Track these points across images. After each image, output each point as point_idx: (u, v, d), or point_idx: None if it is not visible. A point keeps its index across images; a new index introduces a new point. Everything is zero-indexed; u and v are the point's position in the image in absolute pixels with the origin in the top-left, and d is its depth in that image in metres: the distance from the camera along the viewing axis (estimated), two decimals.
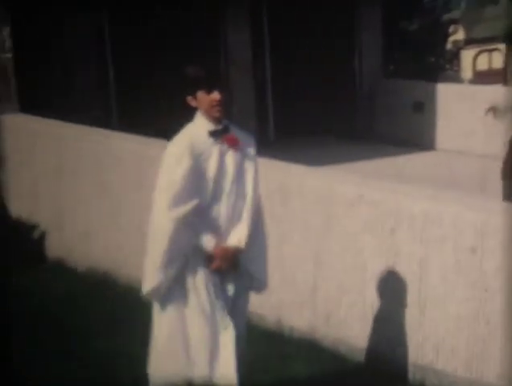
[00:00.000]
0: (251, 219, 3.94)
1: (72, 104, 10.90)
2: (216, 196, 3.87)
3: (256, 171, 3.98)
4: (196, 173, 3.81)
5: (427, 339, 4.71)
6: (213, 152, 3.86)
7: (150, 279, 3.90)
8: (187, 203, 3.77)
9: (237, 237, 3.91)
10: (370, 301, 5.02)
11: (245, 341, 4.10)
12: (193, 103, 3.90)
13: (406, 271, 4.79)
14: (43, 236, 7.64)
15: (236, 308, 4.01)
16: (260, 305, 5.67)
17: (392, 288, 4.89)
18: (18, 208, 7.99)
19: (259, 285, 4.15)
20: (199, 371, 3.90)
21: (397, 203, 4.93)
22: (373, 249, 5.00)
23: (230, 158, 3.90)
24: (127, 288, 6.19)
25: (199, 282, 3.87)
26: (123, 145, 6.94)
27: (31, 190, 7.88)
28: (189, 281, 3.87)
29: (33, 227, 7.68)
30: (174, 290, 3.89)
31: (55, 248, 7.55)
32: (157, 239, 3.85)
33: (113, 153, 6.96)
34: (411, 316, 4.77)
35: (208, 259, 3.86)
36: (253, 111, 12.89)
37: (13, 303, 6.20)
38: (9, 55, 8.45)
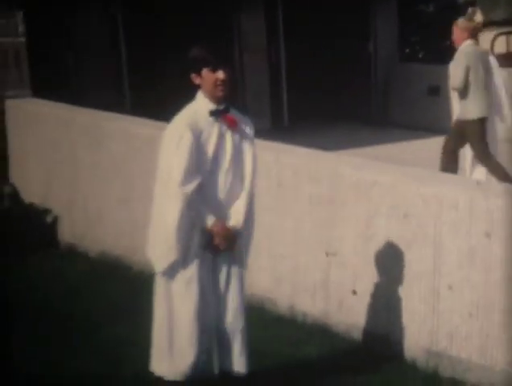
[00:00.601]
0: (249, 199, 4.00)
1: (84, 90, 10.88)
2: (214, 174, 3.92)
3: (254, 153, 4.03)
4: (197, 150, 3.86)
5: (441, 326, 4.66)
6: (213, 131, 3.92)
7: (165, 256, 3.94)
8: (196, 179, 3.84)
9: (236, 218, 3.96)
10: (383, 287, 4.97)
11: (245, 322, 4.12)
12: (197, 80, 3.94)
13: (420, 257, 4.74)
14: (55, 221, 7.64)
15: (230, 287, 4.04)
16: (272, 290, 5.66)
17: (406, 274, 4.84)
18: (31, 193, 7.99)
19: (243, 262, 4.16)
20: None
21: (410, 187, 4.87)
22: (386, 235, 4.94)
23: (229, 137, 3.96)
24: (139, 273, 6.18)
25: (195, 259, 3.92)
26: (136, 130, 6.90)
27: (44, 176, 7.88)
28: (188, 258, 3.92)
29: (45, 212, 7.68)
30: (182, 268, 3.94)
31: (67, 233, 7.55)
32: (169, 215, 3.88)
33: (126, 138, 6.93)
34: (426, 302, 4.72)
35: (206, 236, 3.90)
36: (268, 96, 12.84)
37: (24, 288, 6.26)
38: (22, 40, 8.41)
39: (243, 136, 4.01)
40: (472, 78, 7.60)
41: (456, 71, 7.63)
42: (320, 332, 5.24)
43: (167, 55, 11.04)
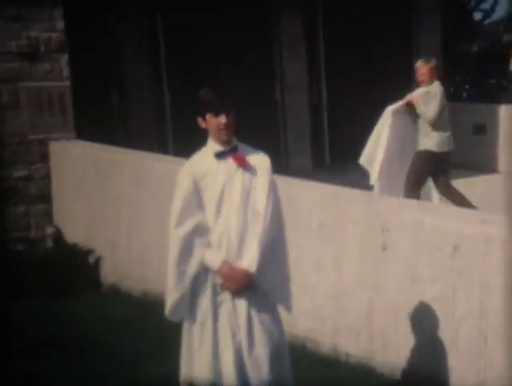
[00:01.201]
0: (265, 238, 3.88)
1: (128, 132, 11.02)
2: (223, 215, 3.87)
3: (271, 190, 3.94)
4: (200, 193, 3.87)
5: (488, 369, 4.53)
6: (220, 172, 3.91)
7: (168, 299, 3.96)
8: (190, 221, 3.84)
9: (248, 260, 3.88)
10: (429, 328, 4.87)
11: (287, 362, 4.04)
12: (203, 124, 3.97)
13: (466, 297, 4.64)
14: (98, 262, 7.68)
15: (262, 325, 3.93)
16: (315, 331, 5.59)
17: (452, 315, 4.73)
18: (75, 234, 8.05)
19: (284, 305, 4.08)
20: None
21: (456, 227, 4.79)
22: (431, 275, 4.85)
23: (239, 177, 3.91)
24: None
25: (205, 304, 3.88)
26: (177, 171, 6.91)
27: (87, 216, 7.94)
28: (199, 300, 3.90)
29: (88, 252, 7.73)
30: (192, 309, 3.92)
31: (110, 272, 7.58)
32: (169, 259, 3.91)
33: (169, 179, 6.94)
34: (473, 344, 4.60)
35: (217, 277, 3.87)
36: (308, 135, 12.85)
37: (69, 328, 6.29)
38: (66, 84, 8.55)
39: (256, 174, 3.94)
40: (444, 113, 8.43)
41: (433, 106, 8.34)
42: (363, 373, 5.15)
43: None
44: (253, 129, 11.54)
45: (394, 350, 5.11)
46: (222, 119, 3.87)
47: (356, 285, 5.34)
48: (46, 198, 8.48)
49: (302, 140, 12.74)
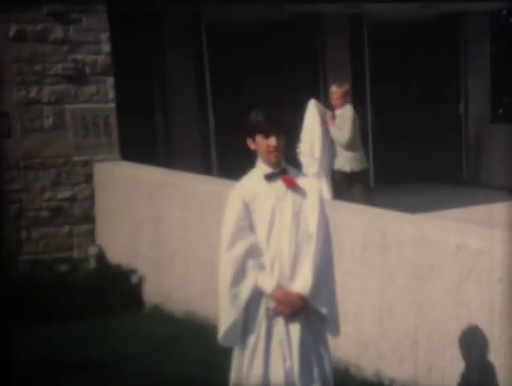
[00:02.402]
0: (318, 261, 3.84)
1: (172, 155, 11.08)
2: (275, 237, 3.83)
3: (322, 212, 3.91)
4: (251, 216, 3.84)
5: None
6: (270, 194, 3.87)
7: (221, 325, 3.89)
8: (243, 244, 3.80)
9: (302, 283, 3.82)
10: (476, 354, 4.75)
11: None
12: (252, 146, 3.95)
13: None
14: (141, 281, 7.69)
15: (314, 351, 3.88)
16: (358, 356, 5.50)
17: (498, 340, 4.61)
18: (118, 254, 8.08)
19: (333, 329, 4.01)
20: None
21: (504, 251, 4.67)
22: (478, 300, 4.74)
23: (289, 199, 3.88)
24: None
25: (257, 327, 3.83)
26: (222, 192, 6.91)
27: (130, 236, 7.96)
28: (251, 324, 3.83)
29: (131, 272, 7.74)
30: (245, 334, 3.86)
31: (153, 293, 7.57)
32: (221, 282, 3.86)
33: (212, 200, 6.94)
34: None
35: (271, 302, 3.81)
36: None
37: (111, 349, 6.29)
38: (112, 105, 8.63)
39: (305, 196, 3.91)
40: (357, 135, 8.78)
41: (346, 131, 8.64)
42: None
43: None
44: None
45: (438, 374, 5.00)
46: (272, 141, 3.85)
47: (400, 308, 5.24)
48: (89, 218, 8.56)
49: None
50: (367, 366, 5.42)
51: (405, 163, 13.25)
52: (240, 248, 3.80)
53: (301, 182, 3.94)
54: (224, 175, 9.53)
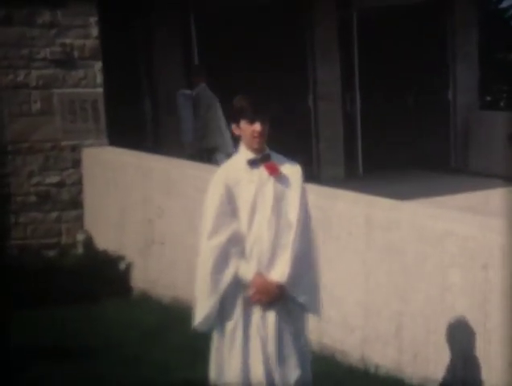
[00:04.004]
0: (297, 249, 3.84)
1: (159, 137, 11.06)
2: (256, 225, 3.83)
3: (302, 200, 3.90)
4: (233, 201, 3.83)
5: None
6: (252, 180, 3.86)
7: (198, 311, 3.91)
8: (225, 231, 3.79)
9: (280, 272, 3.82)
10: (459, 341, 4.79)
11: (309, 373, 3.98)
12: (237, 131, 3.94)
13: (498, 309, 4.55)
14: (128, 268, 7.69)
15: (291, 336, 3.88)
16: (343, 341, 5.53)
17: (483, 326, 4.65)
18: (106, 240, 8.08)
19: (314, 314, 4.03)
20: None
21: (489, 238, 4.70)
22: (462, 287, 4.77)
23: (270, 186, 3.87)
24: None
25: (236, 315, 3.84)
26: (210, 178, 6.91)
27: (118, 223, 7.96)
28: (227, 312, 3.85)
29: (119, 258, 7.74)
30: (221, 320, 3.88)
31: (140, 279, 7.58)
32: (201, 269, 3.86)
33: (200, 186, 6.94)
34: (504, 355, 4.51)
35: (248, 289, 3.82)
36: (342, 145, 12.79)
37: (98, 334, 6.30)
38: (99, 90, 8.60)
39: (288, 183, 3.90)
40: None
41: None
42: (393, 384, 5.08)
43: None
44: (286, 138, 11.55)
45: (423, 361, 5.04)
46: (257, 127, 3.84)
47: (385, 294, 5.27)
48: (77, 204, 8.53)
49: (335, 149, 12.68)
50: (352, 352, 5.45)
51: (393, 151, 13.25)
52: (222, 236, 3.80)
53: (284, 168, 3.92)
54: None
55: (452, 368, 4.85)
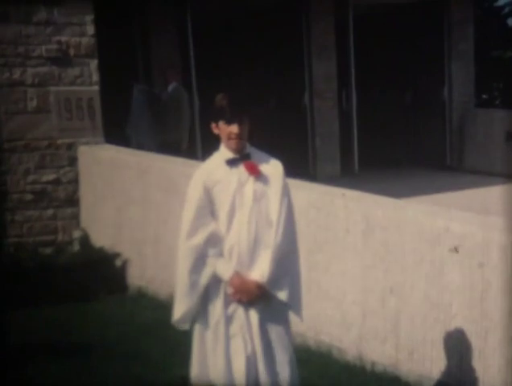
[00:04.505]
0: (278, 249, 3.81)
1: (159, 135, 11.04)
2: (235, 225, 3.81)
3: (284, 198, 3.86)
4: (213, 202, 3.81)
5: None
6: (232, 180, 3.84)
7: (177, 308, 3.93)
8: (203, 232, 3.78)
9: (260, 272, 3.81)
10: (456, 338, 4.80)
11: (295, 371, 3.96)
12: (216, 131, 3.91)
13: (494, 307, 4.56)
14: (125, 265, 7.69)
15: (275, 334, 3.88)
16: (340, 339, 5.54)
17: (480, 323, 4.66)
18: (102, 238, 8.08)
19: (296, 314, 4.01)
20: None
21: (485, 235, 4.71)
22: (458, 283, 4.78)
23: (250, 185, 3.84)
24: None
25: (217, 313, 3.84)
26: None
27: (114, 220, 7.96)
28: (210, 310, 3.86)
29: (115, 255, 7.74)
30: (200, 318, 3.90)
31: (137, 276, 7.59)
32: (180, 268, 3.86)
33: None
34: (500, 353, 4.52)
35: (229, 288, 3.83)
36: (338, 142, 12.80)
37: (94, 331, 6.30)
38: (95, 88, 8.60)
39: (268, 182, 3.86)
40: None
41: None
42: (389, 381, 5.08)
43: None
44: (282, 135, 11.58)
45: (420, 358, 5.05)
46: (234, 128, 3.81)
47: (382, 291, 5.28)
48: (74, 201, 8.53)
49: (330, 146, 12.68)
50: (349, 349, 5.46)
51: (389, 148, 13.28)
52: (200, 237, 3.78)
53: (265, 168, 3.88)
54: (208, 157, 9.54)
55: (448, 366, 4.86)
